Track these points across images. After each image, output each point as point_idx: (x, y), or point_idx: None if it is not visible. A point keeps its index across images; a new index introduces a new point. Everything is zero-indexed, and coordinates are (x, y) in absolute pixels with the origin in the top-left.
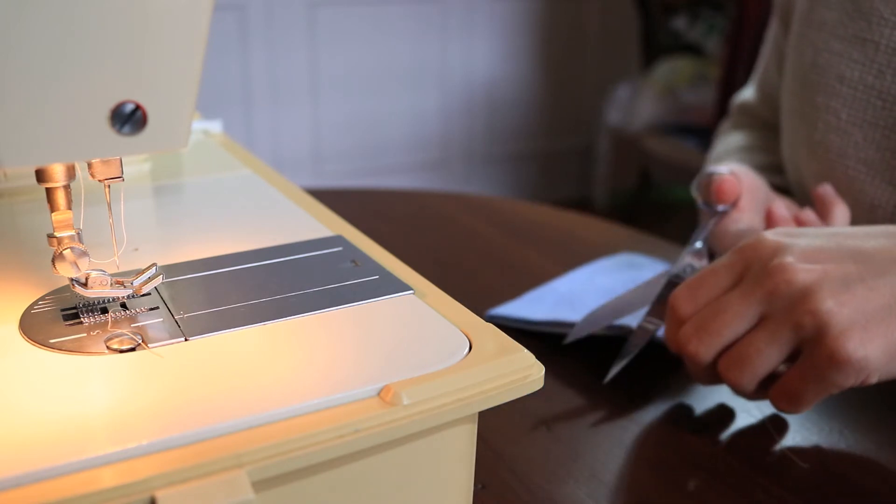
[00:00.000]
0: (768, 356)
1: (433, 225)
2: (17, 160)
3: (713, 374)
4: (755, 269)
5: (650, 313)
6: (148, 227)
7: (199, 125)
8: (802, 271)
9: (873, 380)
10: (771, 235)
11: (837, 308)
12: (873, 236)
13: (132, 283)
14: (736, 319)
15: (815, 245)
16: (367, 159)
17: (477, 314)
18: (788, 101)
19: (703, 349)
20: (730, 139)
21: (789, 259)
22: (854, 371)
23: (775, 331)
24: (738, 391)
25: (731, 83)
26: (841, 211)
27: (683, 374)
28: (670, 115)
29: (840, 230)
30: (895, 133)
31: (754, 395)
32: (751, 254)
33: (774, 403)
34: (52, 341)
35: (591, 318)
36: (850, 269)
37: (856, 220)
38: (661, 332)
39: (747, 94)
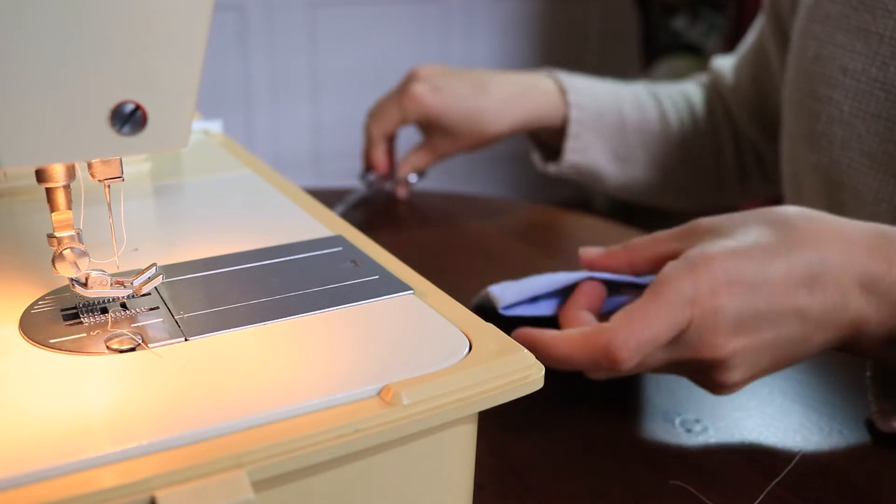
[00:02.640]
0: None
1: (433, 225)
2: (17, 160)
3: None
4: (691, 339)
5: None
6: (148, 227)
7: (199, 125)
8: (726, 349)
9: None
10: (724, 299)
11: (740, 378)
12: (804, 284)
13: (132, 283)
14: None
15: (749, 311)
16: None
17: (477, 314)
18: (790, 94)
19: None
20: (690, 87)
21: (721, 340)
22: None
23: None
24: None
25: None
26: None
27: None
28: None
29: (783, 271)
30: None
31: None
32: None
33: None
34: (52, 341)
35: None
36: (774, 335)
37: (858, 215)
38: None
39: (726, 67)
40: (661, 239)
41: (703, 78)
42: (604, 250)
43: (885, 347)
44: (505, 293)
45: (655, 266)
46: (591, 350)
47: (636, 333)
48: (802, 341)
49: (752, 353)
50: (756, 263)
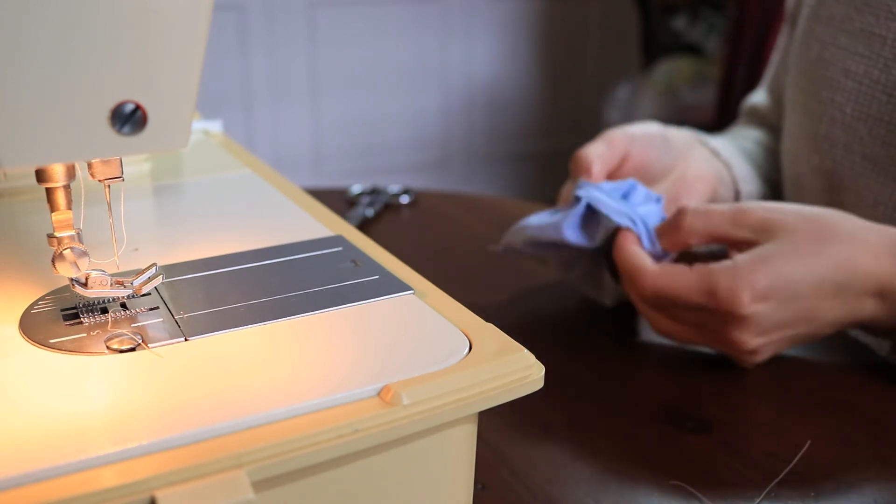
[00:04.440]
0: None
1: (433, 225)
2: (17, 160)
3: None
4: (717, 324)
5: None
6: (148, 227)
7: (199, 125)
8: (753, 344)
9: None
10: (747, 299)
11: (762, 357)
12: (828, 296)
13: (132, 283)
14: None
15: (772, 319)
16: (367, 159)
17: (477, 314)
18: (792, 95)
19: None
20: (750, 132)
21: (747, 337)
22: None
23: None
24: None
25: (731, 83)
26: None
27: (683, 373)
28: (670, 115)
29: (801, 283)
30: None
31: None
32: (716, 305)
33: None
34: (52, 341)
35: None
36: (792, 334)
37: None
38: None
39: (757, 97)
40: (715, 223)
41: (741, 121)
42: (658, 226)
43: (891, 333)
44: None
45: (706, 243)
46: (626, 268)
47: (669, 277)
48: (813, 336)
49: (771, 346)
50: (791, 273)
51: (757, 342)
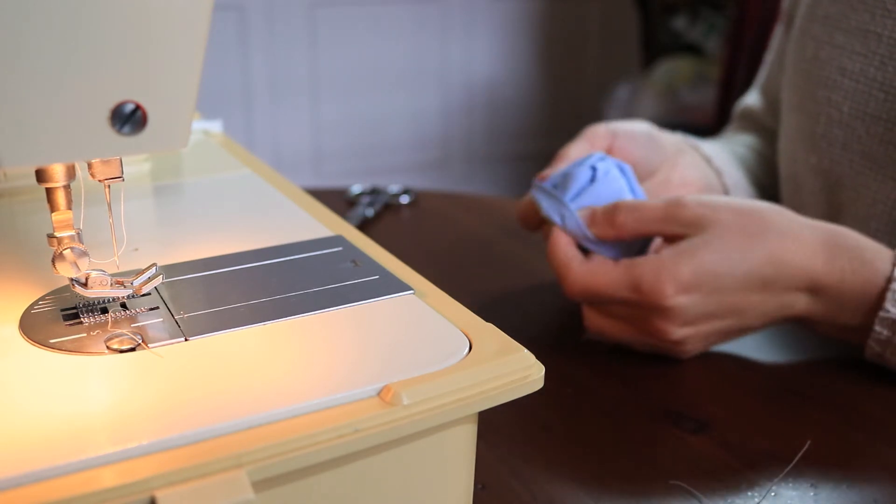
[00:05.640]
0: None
1: (433, 225)
2: (17, 160)
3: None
4: (644, 323)
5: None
6: (148, 227)
7: (199, 125)
8: (677, 334)
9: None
10: (670, 291)
11: (691, 347)
12: (755, 289)
13: (132, 283)
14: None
15: (697, 311)
16: (367, 159)
17: (477, 314)
18: (789, 95)
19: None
20: (743, 137)
21: (671, 327)
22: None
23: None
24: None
25: (732, 83)
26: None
27: (683, 374)
28: (670, 115)
29: (726, 276)
30: None
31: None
32: (642, 299)
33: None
34: (52, 341)
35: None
36: (722, 326)
37: (856, 215)
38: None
39: (751, 99)
40: (647, 219)
41: (731, 128)
42: (590, 217)
43: (833, 332)
44: None
45: (638, 237)
46: (554, 266)
47: (594, 273)
48: (745, 329)
49: (700, 338)
50: (716, 266)
51: (681, 333)
